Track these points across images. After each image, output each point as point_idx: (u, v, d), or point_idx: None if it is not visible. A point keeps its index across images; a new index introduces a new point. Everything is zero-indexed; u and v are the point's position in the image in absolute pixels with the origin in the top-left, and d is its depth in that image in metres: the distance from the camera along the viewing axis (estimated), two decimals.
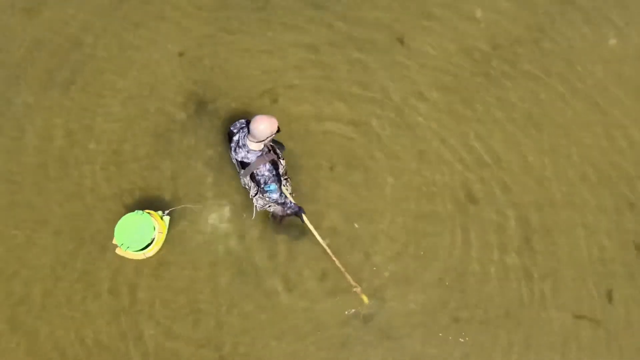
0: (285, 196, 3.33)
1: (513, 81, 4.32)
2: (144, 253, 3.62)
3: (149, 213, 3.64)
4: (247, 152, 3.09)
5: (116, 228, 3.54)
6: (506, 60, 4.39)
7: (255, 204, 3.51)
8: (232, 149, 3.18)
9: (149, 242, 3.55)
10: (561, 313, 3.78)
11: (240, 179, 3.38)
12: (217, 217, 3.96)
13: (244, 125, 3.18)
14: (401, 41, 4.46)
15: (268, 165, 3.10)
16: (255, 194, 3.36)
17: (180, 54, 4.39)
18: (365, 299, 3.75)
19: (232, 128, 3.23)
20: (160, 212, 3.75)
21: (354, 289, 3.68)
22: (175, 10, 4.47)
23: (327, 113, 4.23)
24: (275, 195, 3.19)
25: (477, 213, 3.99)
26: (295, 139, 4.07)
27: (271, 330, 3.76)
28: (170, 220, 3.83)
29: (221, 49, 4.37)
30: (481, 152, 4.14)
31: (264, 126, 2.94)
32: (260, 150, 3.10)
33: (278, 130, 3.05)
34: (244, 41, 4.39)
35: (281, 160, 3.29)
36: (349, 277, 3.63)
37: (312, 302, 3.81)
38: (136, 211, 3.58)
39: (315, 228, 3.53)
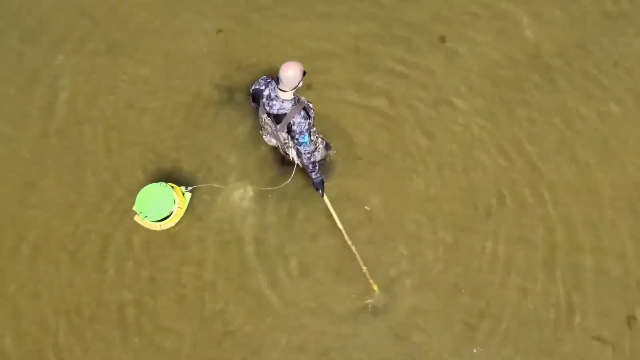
0: (316, 149, 3.37)
1: (557, 88, 4.23)
2: (160, 225, 3.63)
3: (172, 186, 3.65)
4: (282, 102, 3.06)
5: (138, 196, 3.56)
6: (549, 67, 4.30)
7: (295, 160, 3.46)
8: (264, 105, 3.14)
9: (167, 214, 3.56)
10: (580, 333, 3.64)
11: (270, 140, 3.44)
12: (239, 196, 3.95)
13: (269, 80, 3.15)
14: (443, 39, 4.39)
15: (303, 113, 3.07)
16: (290, 147, 3.36)
17: (219, 31, 4.41)
18: (375, 287, 3.70)
19: (255, 86, 3.19)
20: (183, 188, 3.76)
21: (365, 272, 3.63)
22: None
23: (364, 102, 4.20)
24: (309, 148, 3.17)
25: (507, 220, 3.89)
26: (328, 124, 4.05)
27: (279, 314, 3.72)
28: (193, 195, 3.84)
29: (261, 28, 4.39)
30: (518, 158, 4.05)
31: (292, 71, 2.94)
32: (293, 99, 3.08)
33: (304, 74, 3.04)
34: (284, 25, 4.39)
35: (311, 105, 3.22)
36: (361, 261, 3.60)
37: (324, 290, 3.76)
38: (160, 182, 3.59)
39: (335, 208, 3.55)
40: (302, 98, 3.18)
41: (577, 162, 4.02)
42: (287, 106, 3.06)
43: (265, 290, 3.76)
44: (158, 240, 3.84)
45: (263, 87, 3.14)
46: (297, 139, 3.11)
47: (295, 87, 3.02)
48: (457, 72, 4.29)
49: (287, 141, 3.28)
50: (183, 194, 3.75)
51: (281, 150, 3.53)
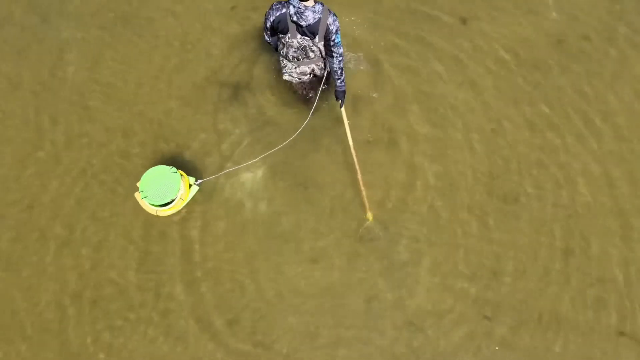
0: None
1: (578, 77, 4.09)
2: (157, 210, 3.49)
3: (181, 174, 3.51)
4: (312, 11, 3.09)
5: (145, 174, 3.42)
6: (572, 54, 4.17)
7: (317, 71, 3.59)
8: (296, 22, 3.13)
9: (167, 202, 3.42)
10: (602, 327, 3.50)
11: (302, 74, 3.55)
12: (250, 179, 3.81)
13: (283, 2, 3.15)
14: (464, 21, 4.25)
15: (331, 12, 3.16)
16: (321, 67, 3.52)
17: (232, 8, 4.28)
18: (370, 216, 3.63)
19: (275, 14, 3.17)
20: (192, 179, 3.62)
21: (363, 196, 3.59)
22: None
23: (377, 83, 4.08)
24: (342, 49, 3.32)
25: (524, 210, 3.74)
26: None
27: (286, 302, 3.55)
28: (203, 174, 3.72)
29: None
30: (537, 147, 3.90)
31: None
32: (318, 2, 3.11)
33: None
34: None
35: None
36: (362, 187, 3.57)
37: (336, 276, 3.59)
38: (170, 167, 3.46)
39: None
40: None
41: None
42: (319, 9, 3.10)
43: (273, 275, 3.60)
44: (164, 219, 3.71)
45: (284, 10, 3.13)
46: (334, 40, 3.20)
47: None
48: (479, 54, 4.16)
49: (321, 54, 3.39)
50: (190, 185, 3.61)
51: (308, 78, 3.65)
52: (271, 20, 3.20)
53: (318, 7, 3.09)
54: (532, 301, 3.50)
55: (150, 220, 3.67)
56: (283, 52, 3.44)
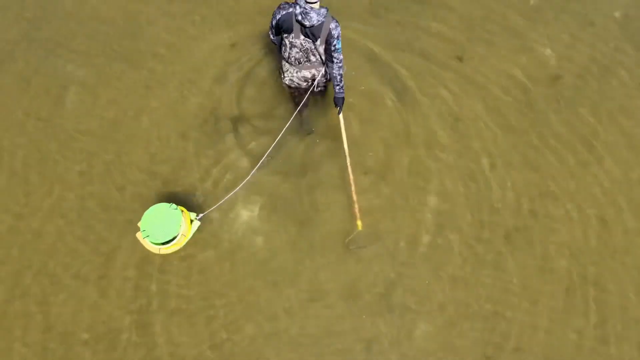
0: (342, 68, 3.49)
1: (571, 113, 4.12)
2: (159, 248, 3.41)
3: (182, 210, 3.46)
4: (317, 13, 3.18)
5: (146, 213, 3.34)
6: (568, 91, 4.21)
7: (316, 83, 3.62)
8: (301, 22, 3.22)
9: (170, 239, 3.36)
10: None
11: (302, 77, 3.55)
12: (248, 213, 3.77)
13: (289, 3, 3.25)
14: (460, 59, 4.30)
15: (334, 19, 3.25)
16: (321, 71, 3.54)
17: (232, 45, 4.35)
18: (359, 224, 3.61)
19: (282, 13, 3.27)
20: (193, 215, 3.57)
21: (355, 203, 3.61)
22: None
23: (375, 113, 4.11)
24: (341, 56, 3.38)
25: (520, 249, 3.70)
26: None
27: (282, 342, 3.46)
28: (202, 208, 3.68)
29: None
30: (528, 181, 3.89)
31: None
32: (324, 7, 3.23)
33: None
34: None
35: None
36: (354, 195, 3.59)
37: (333, 315, 3.51)
38: (171, 204, 3.40)
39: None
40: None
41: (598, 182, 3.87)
42: (323, 12, 3.21)
43: (268, 317, 3.51)
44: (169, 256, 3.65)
45: (291, 9, 3.23)
46: (335, 45, 3.29)
47: None
48: (475, 90, 4.19)
49: (321, 60, 3.44)
50: (191, 221, 3.56)
51: (306, 85, 3.64)
52: (277, 18, 3.30)
53: (323, 10, 3.20)
54: (534, 339, 3.42)
55: (148, 257, 3.60)
56: (285, 55, 3.47)
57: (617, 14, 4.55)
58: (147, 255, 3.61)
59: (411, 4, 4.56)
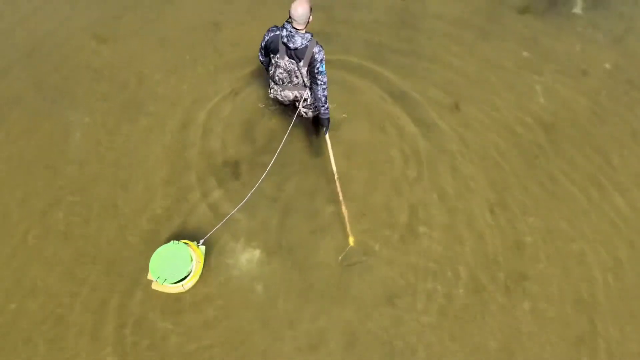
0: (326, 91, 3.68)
1: (566, 162, 4.18)
2: (182, 285, 3.38)
3: (185, 242, 3.45)
4: (301, 37, 3.41)
5: (151, 261, 3.31)
6: (561, 139, 4.28)
7: (302, 110, 3.92)
8: (286, 44, 3.45)
9: (187, 273, 3.33)
10: None
11: (286, 96, 3.85)
12: (246, 260, 3.74)
13: (279, 27, 3.49)
14: (457, 106, 4.41)
15: (318, 44, 3.47)
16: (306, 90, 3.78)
17: (232, 91, 4.46)
18: (351, 240, 3.69)
19: (270, 35, 3.52)
20: (195, 242, 3.56)
21: (346, 219, 3.71)
22: None
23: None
24: (325, 78, 3.58)
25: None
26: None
27: None
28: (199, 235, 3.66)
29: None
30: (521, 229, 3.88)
31: (302, 8, 3.29)
32: (309, 33, 3.44)
33: (311, 9, 3.36)
34: None
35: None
36: (346, 213, 3.69)
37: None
38: (172, 242, 3.39)
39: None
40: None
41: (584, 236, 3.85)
42: (308, 37, 3.43)
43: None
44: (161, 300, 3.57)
45: (278, 32, 3.47)
46: (318, 68, 3.51)
47: (307, 22, 3.39)
48: (471, 138, 4.26)
49: (304, 82, 3.68)
50: (197, 246, 3.54)
51: (290, 104, 3.96)
52: (266, 39, 3.56)
53: (307, 35, 3.44)
54: None
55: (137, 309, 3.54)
56: (272, 74, 3.76)
57: (607, 65, 4.72)
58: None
59: (403, 56, 4.73)
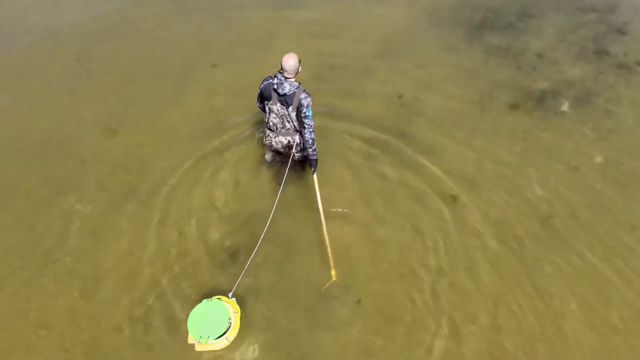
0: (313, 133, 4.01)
1: (559, 254, 4.14)
2: (226, 337, 3.38)
3: (218, 298, 3.50)
4: (290, 84, 3.85)
5: (189, 325, 3.34)
6: (560, 230, 4.29)
7: (294, 151, 4.25)
8: (276, 90, 3.88)
9: (228, 325, 3.36)
10: None
11: (279, 142, 4.22)
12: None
13: (270, 76, 3.96)
14: (454, 198, 4.47)
15: (305, 91, 3.88)
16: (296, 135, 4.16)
17: (235, 184, 4.55)
18: (334, 275, 3.87)
19: (264, 83, 3.96)
20: (224, 297, 3.59)
21: (329, 254, 3.91)
22: None
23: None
24: (312, 122, 3.94)
25: None
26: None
27: None
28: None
29: None
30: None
31: (292, 61, 3.75)
32: (297, 82, 3.88)
33: (300, 61, 3.82)
34: None
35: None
36: (329, 249, 3.91)
37: None
38: (204, 300, 3.45)
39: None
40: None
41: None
42: (296, 85, 3.86)
43: None
44: None
45: (271, 80, 3.93)
46: (305, 113, 3.89)
47: (297, 72, 3.84)
48: (468, 229, 4.27)
49: (295, 127, 4.08)
50: (229, 298, 3.63)
51: (284, 151, 4.31)
52: (261, 87, 4.00)
53: (295, 83, 3.87)
54: None
55: None
56: (267, 120, 4.16)
57: (598, 160, 4.86)
58: None
59: (399, 148, 4.88)
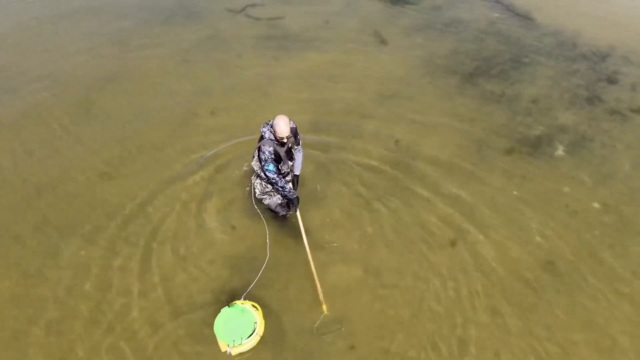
0: (283, 180, 4.18)
1: (564, 297, 4.09)
2: (257, 333, 3.58)
3: (229, 306, 3.66)
4: (267, 130, 4.11)
5: (217, 335, 3.52)
6: (562, 276, 4.24)
7: (254, 190, 4.53)
8: (290, 148, 4.25)
9: (255, 320, 3.58)
10: None
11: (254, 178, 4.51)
12: None
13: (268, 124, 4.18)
14: (453, 243, 4.43)
15: (271, 149, 4.07)
16: (257, 176, 4.44)
17: (232, 227, 4.52)
18: (324, 308, 3.87)
19: (273, 147, 4.13)
20: (239, 301, 3.74)
21: (318, 290, 3.92)
22: None
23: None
24: (272, 175, 4.07)
25: None
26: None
27: None
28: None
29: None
30: None
31: (283, 122, 3.95)
32: (271, 136, 4.07)
33: (293, 136, 4.19)
34: None
35: (287, 164, 4.28)
36: (318, 284, 3.93)
37: None
38: (221, 311, 3.61)
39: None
40: (283, 149, 4.21)
41: None
42: (267, 135, 4.11)
43: None
44: None
45: (267, 127, 4.15)
46: (263, 165, 4.08)
47: (274, 133, 4.03)
48: (467, 276, 4.21)
49: (257, 175, 4.41)
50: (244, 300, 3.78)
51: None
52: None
53: (268, 135, 4.10)
54: None
55: None
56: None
57: (595, 205, 4.85)
58: None
59: (398, 194, 4.90)
